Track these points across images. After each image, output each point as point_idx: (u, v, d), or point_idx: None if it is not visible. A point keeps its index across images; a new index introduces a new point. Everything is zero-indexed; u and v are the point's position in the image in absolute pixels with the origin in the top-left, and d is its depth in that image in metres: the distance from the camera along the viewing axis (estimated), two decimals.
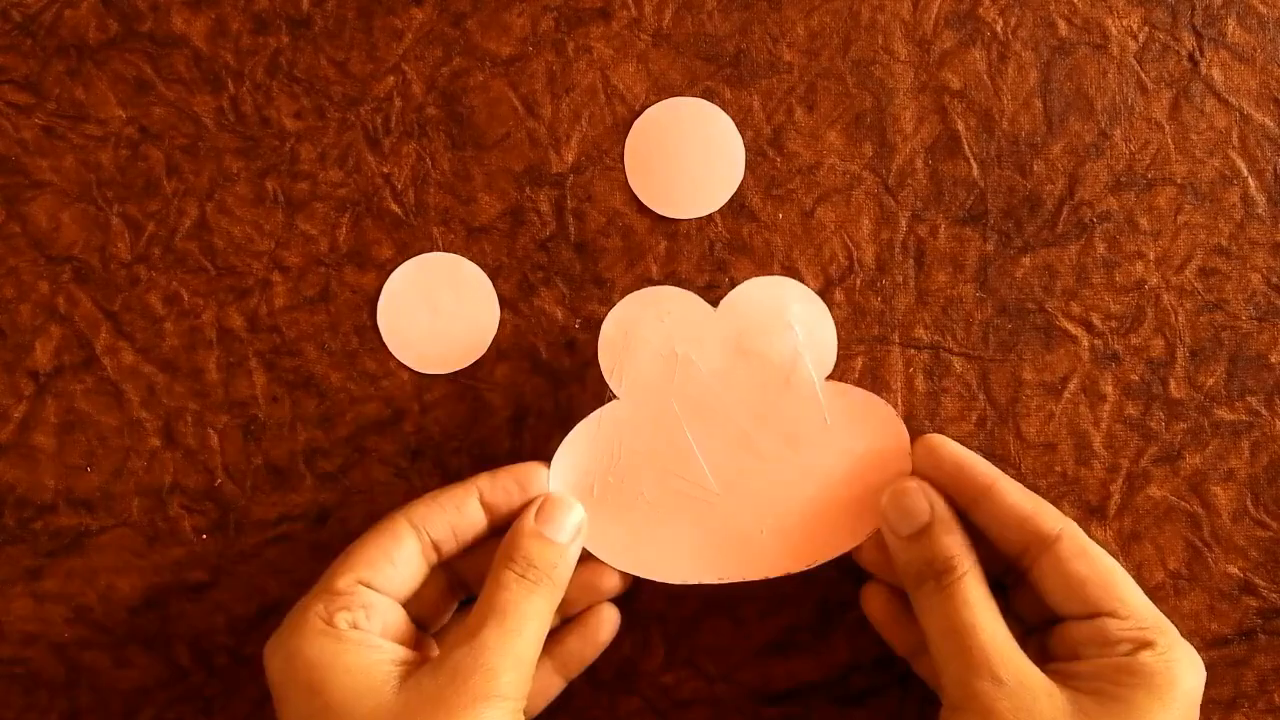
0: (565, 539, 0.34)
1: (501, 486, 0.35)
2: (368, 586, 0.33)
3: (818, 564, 0.36)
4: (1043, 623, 0.34)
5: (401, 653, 0.32)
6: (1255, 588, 0.39)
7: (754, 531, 0.36)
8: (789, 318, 0.36)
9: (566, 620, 0.37)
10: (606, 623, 0.37)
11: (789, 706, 0.39)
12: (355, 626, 0.32)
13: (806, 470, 0.36)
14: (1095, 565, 0.33)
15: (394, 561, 0.33)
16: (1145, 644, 0.31)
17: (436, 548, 0.35)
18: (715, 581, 0.36)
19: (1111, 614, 0.32)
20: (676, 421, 0.36)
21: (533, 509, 0.35)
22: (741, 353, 0.36)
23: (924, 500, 0.34)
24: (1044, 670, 0.32)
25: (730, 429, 0.36)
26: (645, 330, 0.36)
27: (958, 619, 0.32)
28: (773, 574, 0.36)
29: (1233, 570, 0.39)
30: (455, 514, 0.34)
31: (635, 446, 0.36)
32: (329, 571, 0.33)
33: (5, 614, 0.39)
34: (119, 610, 0.39)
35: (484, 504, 0.35)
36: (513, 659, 0.32)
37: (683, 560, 0.36)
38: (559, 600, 0.34)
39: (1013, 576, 0.35)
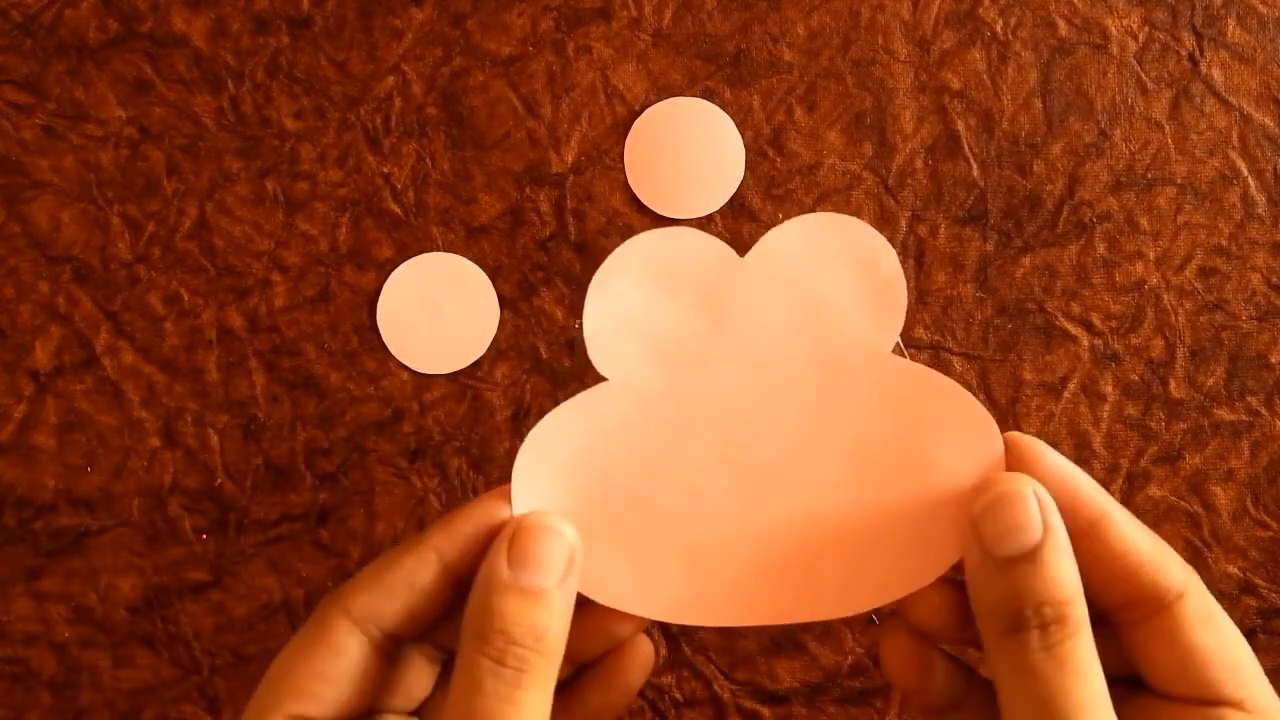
0: (553, 580, 0.24)
1: (464, 539, 0.25)
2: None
3: (878, 605, 0.26)
4: (1121, 679, 0.25)
5: None
6: (1255, 588, 0.39)
7: (794, 557, 0.26)
8: (845, 272, 0.27)
9: (583, 665, 0.28)
10: (638, 661, 0.27)
11: (789, 706, 0.39)
12: None
13: (867, 477, 0.26)
14: (1223, 639, 0.24)
15: (331, 679, 0.25)
16: None
17: (393, 638, 0.25)
18: (740, 624, 0.27)
19: (1236, 705, 0.24)
20: (688, 412, 0.27)
21: (501, 550, 0.24)
22: (780, 317, 0.27)
23: (1035, 512, 0.24)
24: None
25: (763, 422, 0.27)
26: (646, 287, 0.27)
27: (1065, 696, 0.23)
28: (816, 617, 0.26)
29: (1233, 570, 0.39)
30: (410, 593, 0.25)
31: (629, 445, 0.26)
32: (254, 701, 0.25)
33: (5, 614, 0.39)
34: (119, 610, 0.39)
35: (447, 569, 0.25)
36: None
37: (708, 596, 0.26)
38: (556, 673, 0.24)
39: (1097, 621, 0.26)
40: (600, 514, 0.26)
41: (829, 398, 0.26)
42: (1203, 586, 0.25)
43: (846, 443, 0.26)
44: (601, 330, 0.26)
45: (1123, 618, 0.25)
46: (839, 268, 0.27)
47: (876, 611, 0.37)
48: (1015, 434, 0.26)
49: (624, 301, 0.26)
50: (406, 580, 0.25)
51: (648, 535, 0.26)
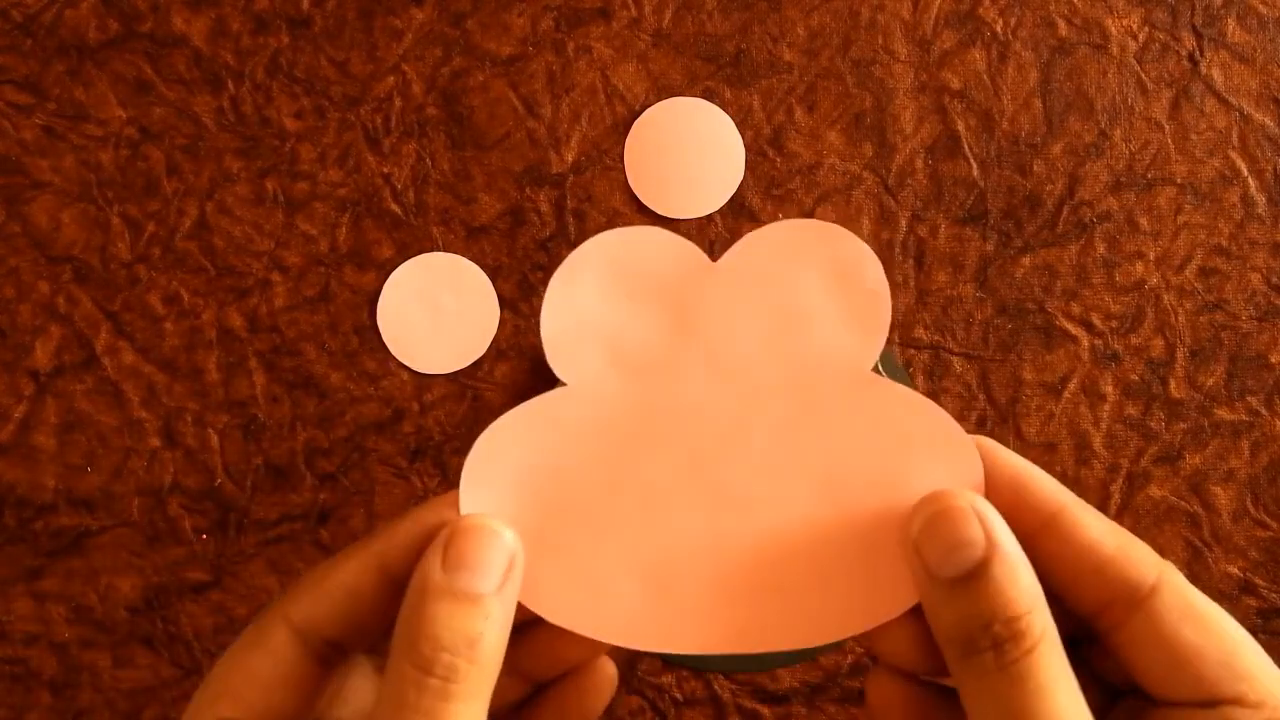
0: (491, 585, 0.23)
1: (407, 544, 0.24)
2: None
3: (849, 635, 0.25)
4: (1131, 689, 0.24)
5: None
6: (1255, 588, 0.39)
7: (759, 583, 0.25)
8: (825, 283, 0.25)
9: (541, 685, 0.27)
10: (598, 686, 0.26)
11: (789, 706, 0.39)
12: None
13: (841, 501, 0.25)
14: (1208, 631, 0.23)
15: (266, 684, 0.24)
16: None
17: (334, 645, 0.24)
18: (700, 651, 0.25)
19: (1236, 701, 0.22)
20: (650, 423, 0.25)
21: (436, 552, 0.23)
22: (752, 327, 0.25)
23: (976, 526, 0.22)
24: None
25: (729, 437, 0.25)
26: (609, 290, 0.26)
27: (1027, 713, 0.21)
28: (782, 645, 0.25)
29: (1233, 570, 0.39)
30: (351, 600, 0.24)
31: (585, 455, 0.25)
32: (191, 703, 0.24)
33: (6, 614, 0.39)
34: (119, 610, 0.39)
35: (390, 575, 0.24)
36: None
37: (666, 620, 0.25)
38: (490, 687, 0.23)
39: (1086, 631, 0.25)
40: (553, 526, 0.25)
41: (804, 416, 0.25)
42: (1180, 578, 0.23)
43: (821, 465, 0.25)
44: (560, 333, 0.25)
45: (1103, 623, 0.23)
46: (820, 277, 0.25)
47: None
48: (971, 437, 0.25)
49: (585, 303, 0.25)
50: (347, 587, 0.24)
51: (603, 552, 0.25)
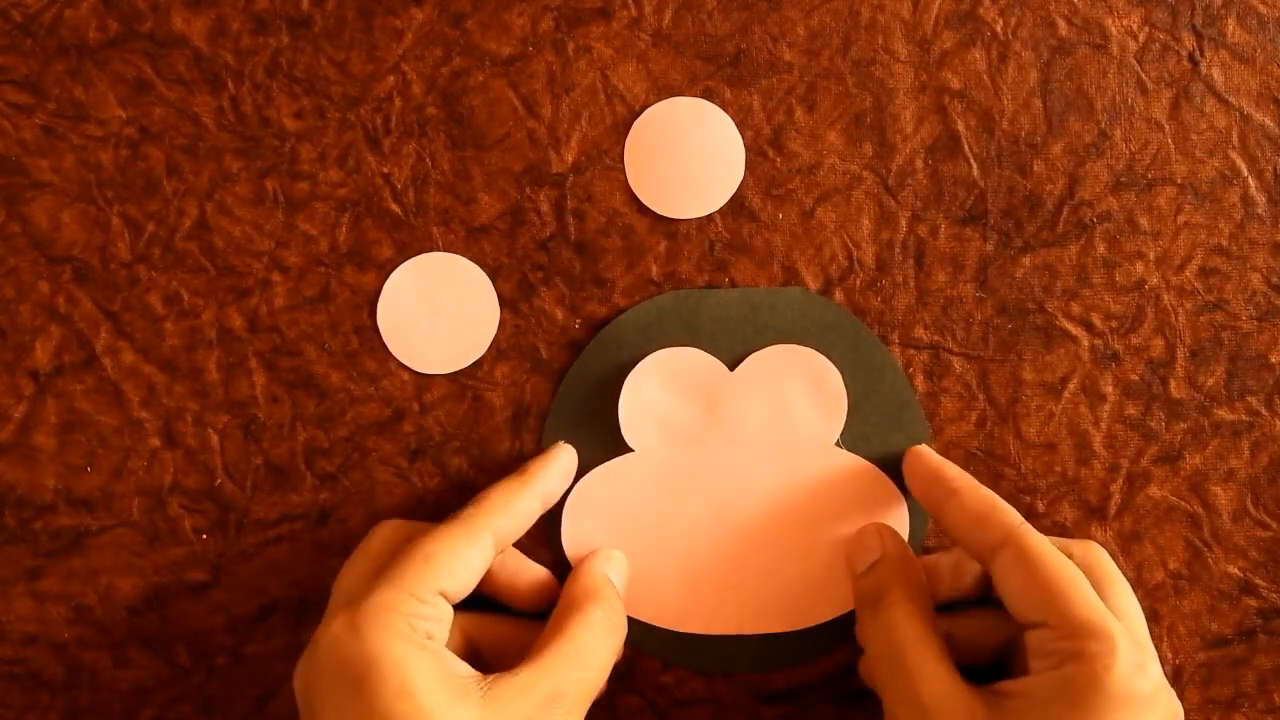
0: (619, 581, 0.37)
1: (558, 481, 0.37)
2: (445, 599, 0.33)
3: (809, 625, 0.37)
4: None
5: (470, 668, 0.32)
6: (1255, 588, 0.39)
7: (756, 588, 0.37)
8: (803, 387, 0.37)
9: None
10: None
11: (788, 706, 0.39)
12: (430, 638, 0.32)
13: (812, 535, 0.37)
14: (1033, 571, 0.31)
15: (472, 570, 0.33)
16: (1072, 655, 0.29)
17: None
18: (717, 633, 0.38)
19: (1044, 624, 0.31)
20: (688, 478, 0.37)
21: (608, 558, 0.37)
22: (755, 414, 0.37)
23: (876, 539, 0.36)
24: (993, 689, 0.31)
25: (741, 488, 0.37)
26: (663, 388, 0.37)
27: (887, 643, 0.33)
28: (769, 630, 0.38)
29: (1233, 570, 0.39)
30: (524, 523, 0.36)
31: (646, 498, 0.37)
32: (410, 568, 0.32)
33: (5, 614, 0.39)
34: (119, 610, 0.39)
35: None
36: (585, 698, 0.33)
37: (694, 610, 0.37)
38: (618, 622, 0.35)
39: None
40: (625, 548, 0.37)
41: (789, 476, 0.37)
42: (1029, 532, 0.32)
43: (799, 508, 0.37)
44: (631, 416, 0.37)
45: (986, 563, 0.33)
46: (800, 382, 0.37)
47: None
48: (913, 447, 0.37)
49: (647, 396, 0.37)
50: (527, 514, 0.36)
51: (655, 564, 0.37)
